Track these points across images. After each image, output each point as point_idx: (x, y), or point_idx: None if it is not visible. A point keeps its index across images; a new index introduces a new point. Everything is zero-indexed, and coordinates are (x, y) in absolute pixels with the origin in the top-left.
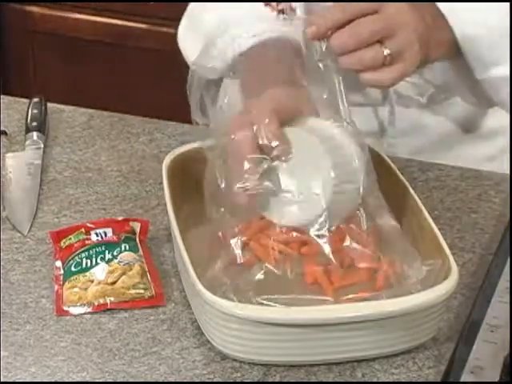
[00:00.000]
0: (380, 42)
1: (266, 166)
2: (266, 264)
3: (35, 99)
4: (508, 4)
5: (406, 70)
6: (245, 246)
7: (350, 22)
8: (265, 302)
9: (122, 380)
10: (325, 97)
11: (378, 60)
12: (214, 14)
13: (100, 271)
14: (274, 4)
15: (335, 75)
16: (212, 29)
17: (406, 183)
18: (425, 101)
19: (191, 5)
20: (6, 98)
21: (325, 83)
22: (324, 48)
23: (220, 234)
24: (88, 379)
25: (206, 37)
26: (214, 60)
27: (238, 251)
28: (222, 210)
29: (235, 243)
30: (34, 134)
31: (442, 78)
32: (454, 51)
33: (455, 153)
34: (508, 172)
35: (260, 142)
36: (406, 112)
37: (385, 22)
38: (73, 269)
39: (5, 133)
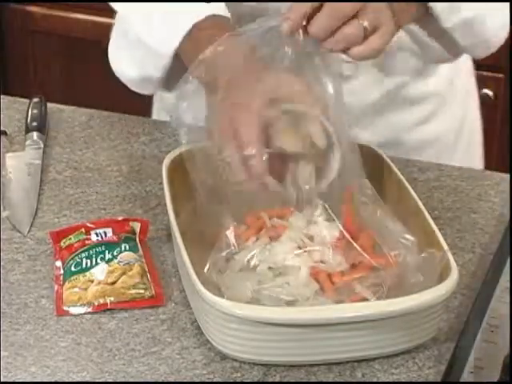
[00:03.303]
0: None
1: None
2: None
3: (35, 99)
4: None
5: (388, 34)
6: (244, 246)
7: (318, 10)
8: (265, 301)
9: (122, 380)
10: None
11: (360, 33)
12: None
13: (100, 271)
14: None
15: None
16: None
17: (406, 183)
18: (349, 72)
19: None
20: (6, 98)
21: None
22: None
23: (219, 234)
24: (88, 379)
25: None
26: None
27: (237, 251)
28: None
29: (235, 243)
30: (34, 134)
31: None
32: (421, 11)
33: (386, 119)
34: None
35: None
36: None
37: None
38: (73, 269)
39: (5, 133)
